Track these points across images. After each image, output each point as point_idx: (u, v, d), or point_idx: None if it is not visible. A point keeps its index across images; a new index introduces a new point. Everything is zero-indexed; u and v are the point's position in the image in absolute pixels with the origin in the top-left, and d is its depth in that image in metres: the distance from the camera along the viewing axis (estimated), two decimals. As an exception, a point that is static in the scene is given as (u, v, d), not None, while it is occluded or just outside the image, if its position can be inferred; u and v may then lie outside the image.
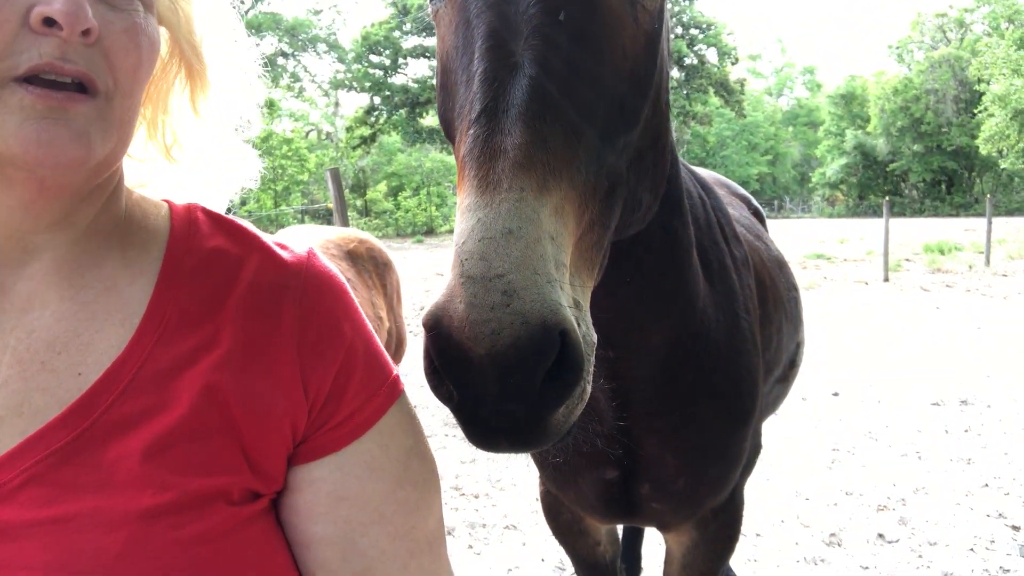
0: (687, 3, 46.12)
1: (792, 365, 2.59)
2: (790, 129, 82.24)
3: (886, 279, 16.25)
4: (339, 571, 0.89)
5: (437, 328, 0.86)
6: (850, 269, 18.93)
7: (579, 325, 0.92)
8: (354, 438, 0.90)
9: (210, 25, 1.00)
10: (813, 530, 4.39)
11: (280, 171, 37.59)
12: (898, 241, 23.09)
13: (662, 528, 2.05)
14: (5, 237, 0.82)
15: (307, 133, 53.82)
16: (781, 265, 2.55)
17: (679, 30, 46.18)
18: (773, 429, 6.26)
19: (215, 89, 1.02)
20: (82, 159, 0.78)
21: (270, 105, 43.71)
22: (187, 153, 1.04)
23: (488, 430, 0.90)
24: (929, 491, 4.92)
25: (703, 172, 2.80)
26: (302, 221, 36.89)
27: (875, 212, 55.25)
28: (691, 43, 46.00)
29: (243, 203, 39.14)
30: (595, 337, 0.99)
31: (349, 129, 47.43)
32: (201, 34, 0.98)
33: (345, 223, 7.71)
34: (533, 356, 0.83)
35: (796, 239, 28.82)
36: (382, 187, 49.21)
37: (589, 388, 0.96)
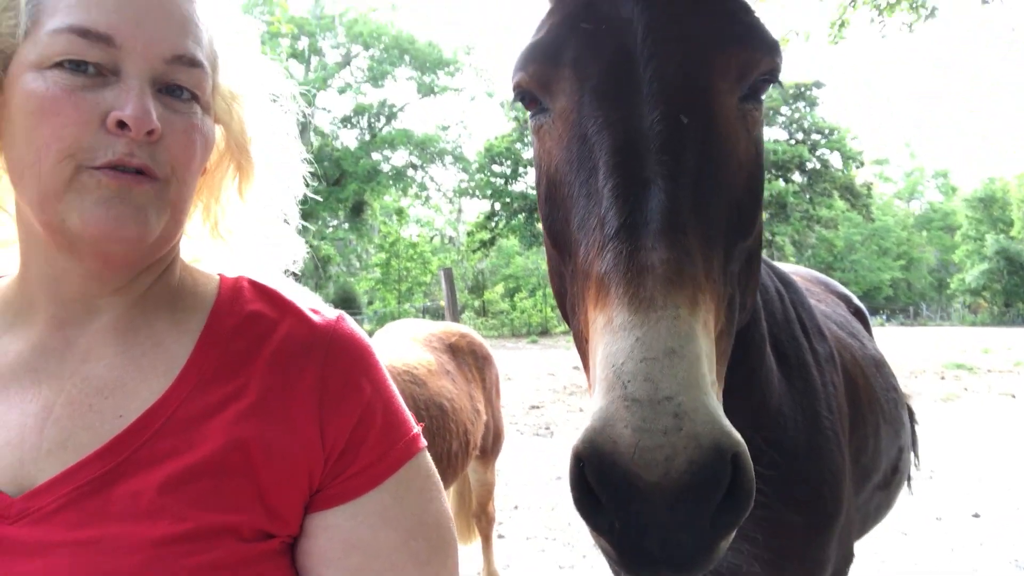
0: (807, 109, 45.82)
1: (895, 471, 2.43)
2: (924, 233, 78.37)
3: (1037, 392, 14.84)
4: None
5: (599, 456, 0.83)
6: (995, 380, 17.42)
7: None
8: (369, 488, 0.96)
9: (259, 128, 1.14)
10: (946, 667, 3.94)
11: (405, 272, 39.29)
12: (1051, 352, 21.13)
13: (745, 640, 1.93)
14: (74, 300, 0.97)
15: (431, 238, 56.30)
16: (879, 364, 2.44)
17: (800, 135, 45.75)
18: (902, 551, 5.74)
19: (260, 182, 1.16)
20: (140, 235, 0.91)
21: (399, 212, 46.24)
22: (234, 234, 1.18)
23: (650, 560, 0.85)
24: (1087, 632, 4.32)
25: (794, 268, 2.77)
26: (423, 317, 38.07)
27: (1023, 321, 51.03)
28: (813, 148, 45.34)
29: (370, 302, 41.03)
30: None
31: (470, 233, 49.18)
32: (251, 135, 1.12)
33: (455, 319, 7.96)
34: (708, 482, 0.80)
35: (934, 347, 26.94)
36: (499, 288, 50.32)
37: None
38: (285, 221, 1.23)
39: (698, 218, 1.00)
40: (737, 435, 0.83)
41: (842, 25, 9.02)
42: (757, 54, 1.16)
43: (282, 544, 0.93)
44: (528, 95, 1.23)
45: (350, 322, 1.07)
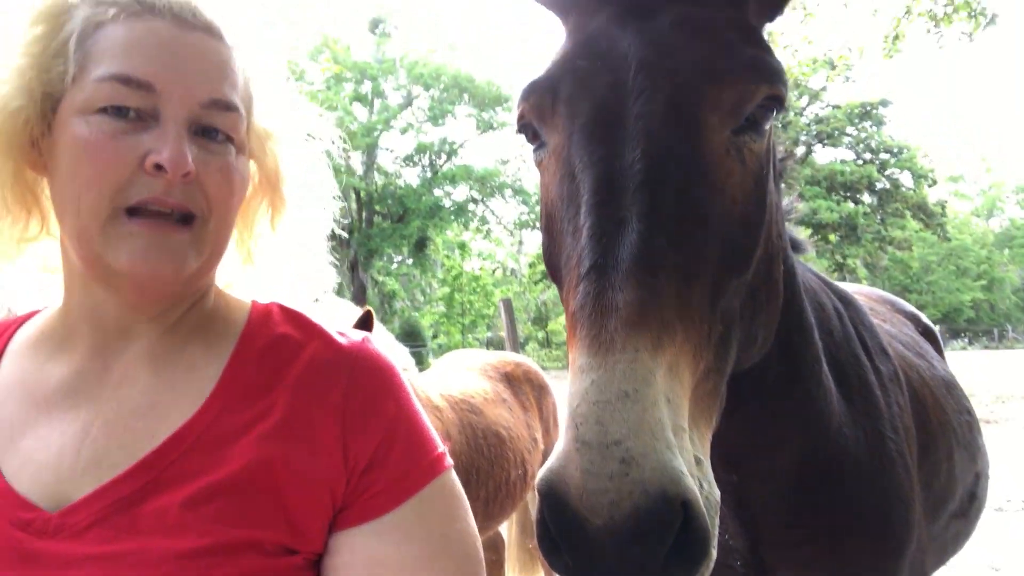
0: (874, 129, 44.64)
1: (973, 498, 2.30)
2: (1006, 252, 75.00)
3: None
4: None
5: (553, 495, 0.84)
6: (1091, 405, 16.38)
7: (701, 486, 0.89)
8: (392, 507, 0.97)
9: (292, 166, 1.18)
10: None
11: (468, 305, 39.67)
12: None
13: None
14: (112, 328, 1.03)
15: (493, 270, 56.71)
16: (949, 386, 2.33)
17: (867, 155, 44.57)
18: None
19: (292, 217, 1.20)
20: (176, 273, 0.97)
21: (462, 247, 46.81)
22: (266, 263, 1.22)
23: None
24: None
25: (857, 288, 2.68)
26: (486, 349, 38.12)
27: (1123, 341, 47.97)
28: (882, 168, 44.08)
29: (434, 336, 41.56)
30: (718, 495, 0.96)
31: (532, 265, 49.28)
32: (284, 173, 1.17)
33: (516, 350, 7.96)
34: (654, 529, 0.80)
35: (1022, 371, 25.56)
36: (563, 319, 50.28)
37: (715, 552, 0.91)
38: (317, 254, 1.28)
39: (675, 257, 0.98)
40: (689, 482, 0.82)
41: (896, 38, 8.77)
42: (752, 85, 1.12)
43: (306, 560, 0.96)
44: (530, 129, 1.25)
45: (375, 344, 1.09)
